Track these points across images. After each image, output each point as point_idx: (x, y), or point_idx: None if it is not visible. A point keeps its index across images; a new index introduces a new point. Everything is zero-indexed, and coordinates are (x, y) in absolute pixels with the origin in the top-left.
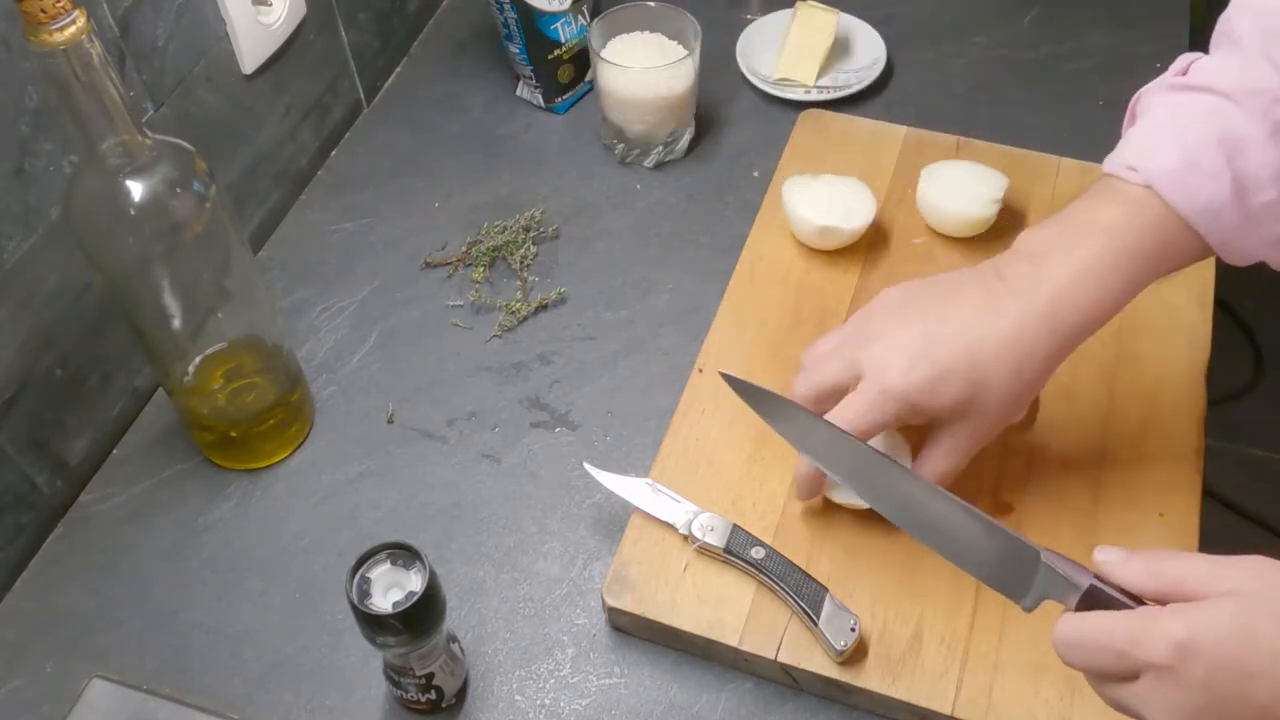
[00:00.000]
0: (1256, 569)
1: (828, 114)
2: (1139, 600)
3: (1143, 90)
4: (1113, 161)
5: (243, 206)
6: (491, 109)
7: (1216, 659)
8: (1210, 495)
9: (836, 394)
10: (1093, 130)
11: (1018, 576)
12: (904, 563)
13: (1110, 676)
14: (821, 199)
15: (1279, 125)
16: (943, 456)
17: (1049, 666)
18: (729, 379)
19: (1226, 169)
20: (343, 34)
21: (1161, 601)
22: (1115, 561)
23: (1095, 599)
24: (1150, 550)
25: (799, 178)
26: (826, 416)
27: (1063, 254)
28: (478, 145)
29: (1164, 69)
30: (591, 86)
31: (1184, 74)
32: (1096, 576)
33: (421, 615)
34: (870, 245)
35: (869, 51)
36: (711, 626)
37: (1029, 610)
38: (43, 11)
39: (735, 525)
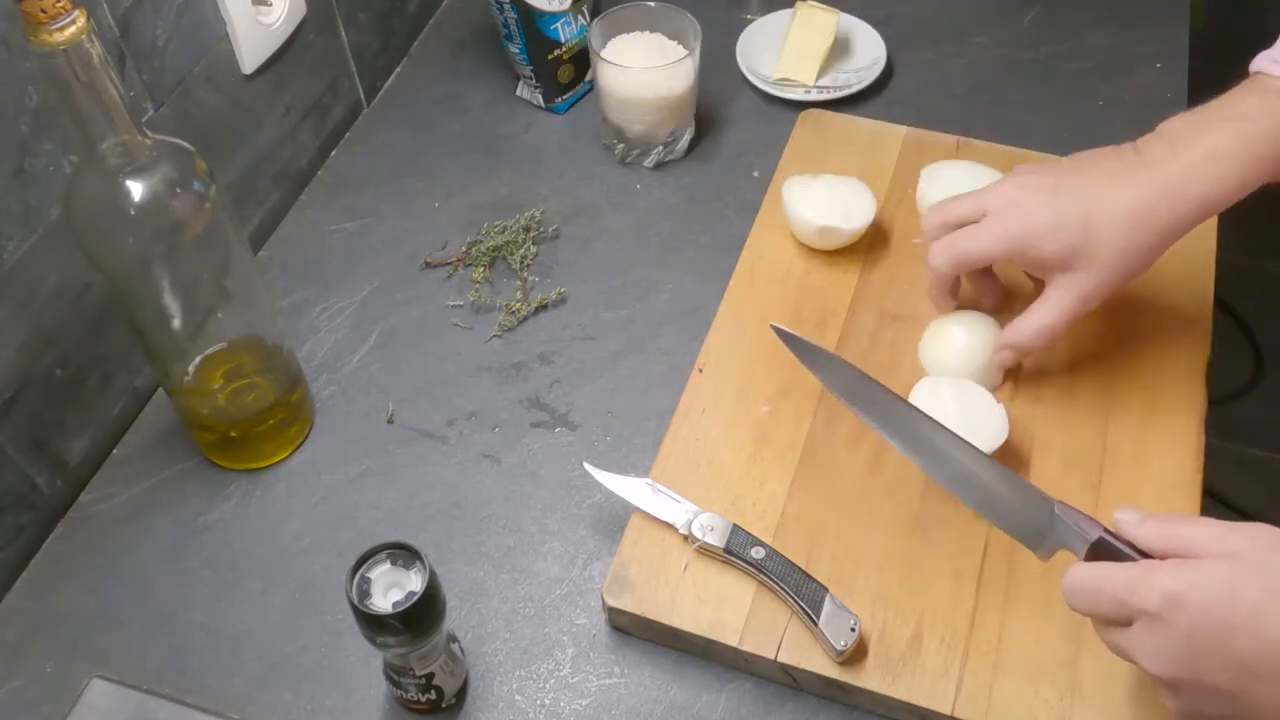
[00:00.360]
0: (1260, 537)
1: (828, 114)
2: (1146, 555)
3: None
4: (1261, 58)
5: (243, 206)
6: (491, 109)
7: (1201, 612)
8: (1210, 495)
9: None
10: (1093, 130)
11: (1034, 526)
12: (904, 563)
13: (1110, 622)
14: (821, 199)
15: None
16: (1048, 309)
17: (1049, 666)
18: (779, 331)
19: None
20: (343, 34)
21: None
22: (1132, 521)
23: (1103, 550)
24: (1166, 513)
25: (799, 178)
26: (947, 238)
27: (1198, 135)
28: (478, 145)
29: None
30: (591, 86)
31: None
32: (1106, 530)
33: (421, 615)
34: (870, 245)
35: (869, 51)
36: (711, 626)
37: (1044, 559)
38: (43, 11)
39: (735, 525)
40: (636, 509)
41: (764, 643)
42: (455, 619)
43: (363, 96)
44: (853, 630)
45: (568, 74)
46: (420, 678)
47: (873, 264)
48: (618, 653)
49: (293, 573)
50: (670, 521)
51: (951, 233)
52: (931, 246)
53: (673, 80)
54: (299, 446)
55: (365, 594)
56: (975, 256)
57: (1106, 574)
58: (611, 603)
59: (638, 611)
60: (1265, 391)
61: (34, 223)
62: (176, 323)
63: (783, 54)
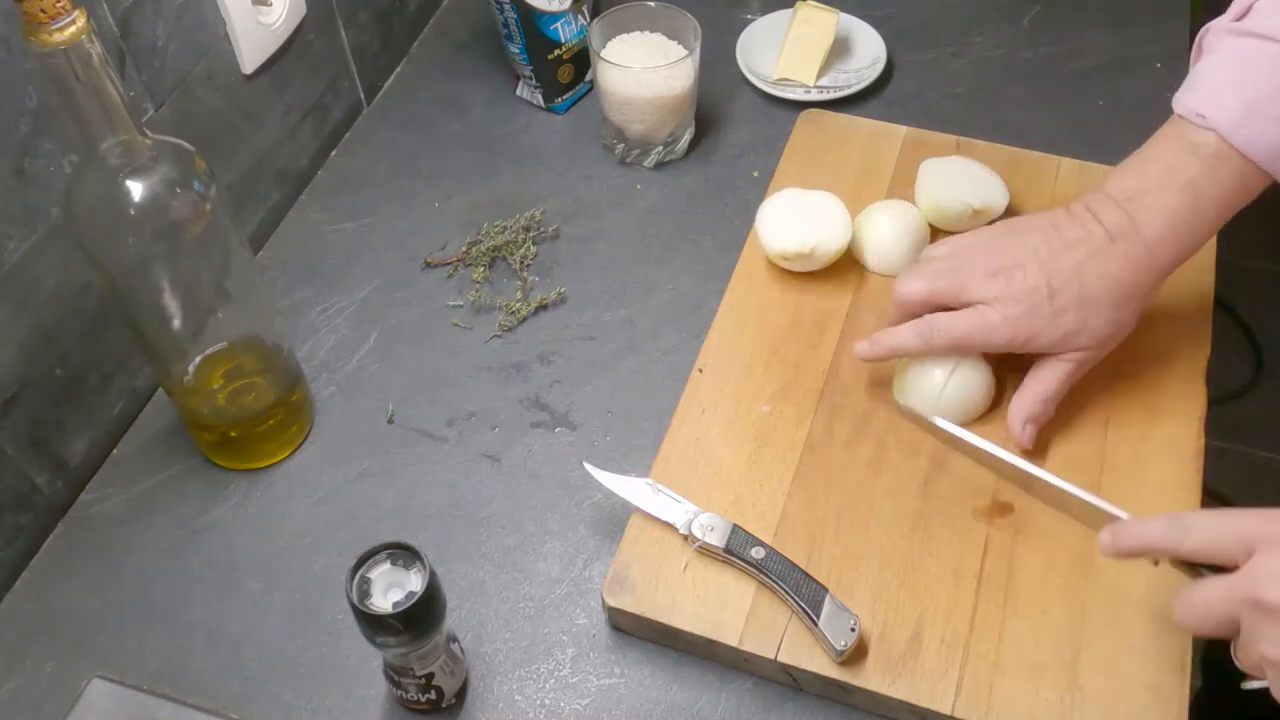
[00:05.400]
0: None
1: (828, 114)
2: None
3: (1208, 27)
4: (1183, 104)
5: (243, 206)
6: (491, 109)
7: None
8: (1210, 495)
9: (930, 308)
10: (1092, 130)
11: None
12: (904, 563)
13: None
14: (794, 234)
15: None
16: (1054, 377)
17: (1049, 666)
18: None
19: None
20: (343, 34)
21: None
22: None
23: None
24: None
25: (772, 203)
26: (939, 320)
27: (1153, 205)
28: (478, 145)
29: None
30: (591, 86)
31: (1243, 16)
32: None
33: (421, 615)
34: None
35: (869, 51)
36: (711, 626)
37: None
38: (43, 11)
39: (735, 525)
40: (636, 509)
41: (764, 643)
42: (455, 619)
43: (363, 96)
44: (853, 630)
45: (568, 74)
46: (420, 678)
47: None
48: (618, 653)
49: (293, 573)
50: (670, 521)
51: (935, 313)
52: (919, 324)
53: (673, 80)
54: (299, 446)
55: (365, 594)
56: (976, 345)
57: (1208, 583)
58: (611, 603)
59: (638, 611)
60: (1265, 391)
61: (34, 223)
62: (176, 323)
63: (783, 54)
